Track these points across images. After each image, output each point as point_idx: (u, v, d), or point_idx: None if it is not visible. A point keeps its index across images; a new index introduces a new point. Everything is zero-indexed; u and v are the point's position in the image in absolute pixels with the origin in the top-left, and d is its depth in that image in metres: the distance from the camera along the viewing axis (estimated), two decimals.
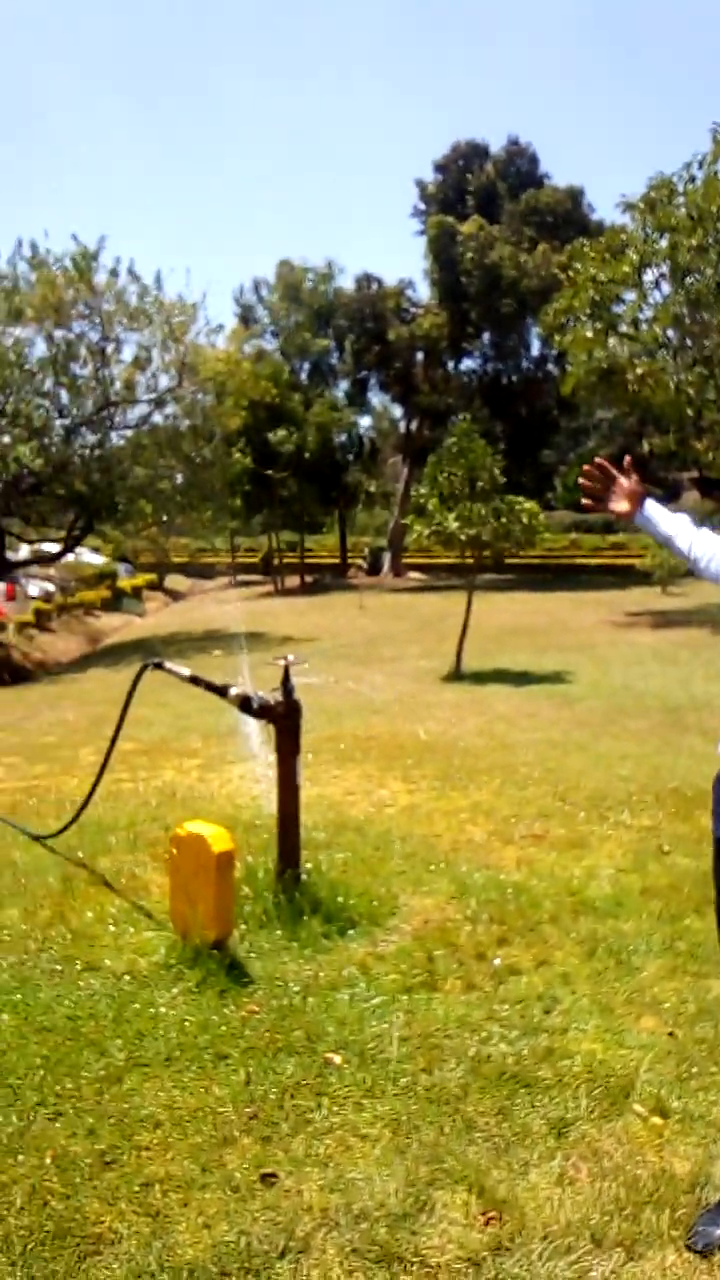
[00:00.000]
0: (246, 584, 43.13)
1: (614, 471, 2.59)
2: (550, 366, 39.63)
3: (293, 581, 39.73)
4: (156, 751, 7.84)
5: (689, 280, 19.03)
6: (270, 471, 34.81)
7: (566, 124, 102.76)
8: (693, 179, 18.72)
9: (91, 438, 21.88)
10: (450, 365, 43.28)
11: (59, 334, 20.35)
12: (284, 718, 4.09)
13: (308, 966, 3.62)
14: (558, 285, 24.47)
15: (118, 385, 21.49)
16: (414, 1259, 2.22)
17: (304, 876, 4.19)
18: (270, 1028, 3.18)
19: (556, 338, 21.67)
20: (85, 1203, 2.39)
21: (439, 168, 43.80)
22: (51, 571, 31.69)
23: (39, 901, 4.36)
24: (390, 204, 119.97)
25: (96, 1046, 3.08)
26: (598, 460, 2.62)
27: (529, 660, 14.50)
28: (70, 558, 28.27)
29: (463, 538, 12.89)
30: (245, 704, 4.10)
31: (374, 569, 43.23)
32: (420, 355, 41.80)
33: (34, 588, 28.47)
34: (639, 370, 19.82)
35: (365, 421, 44.57)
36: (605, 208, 47.64)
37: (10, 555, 23.81)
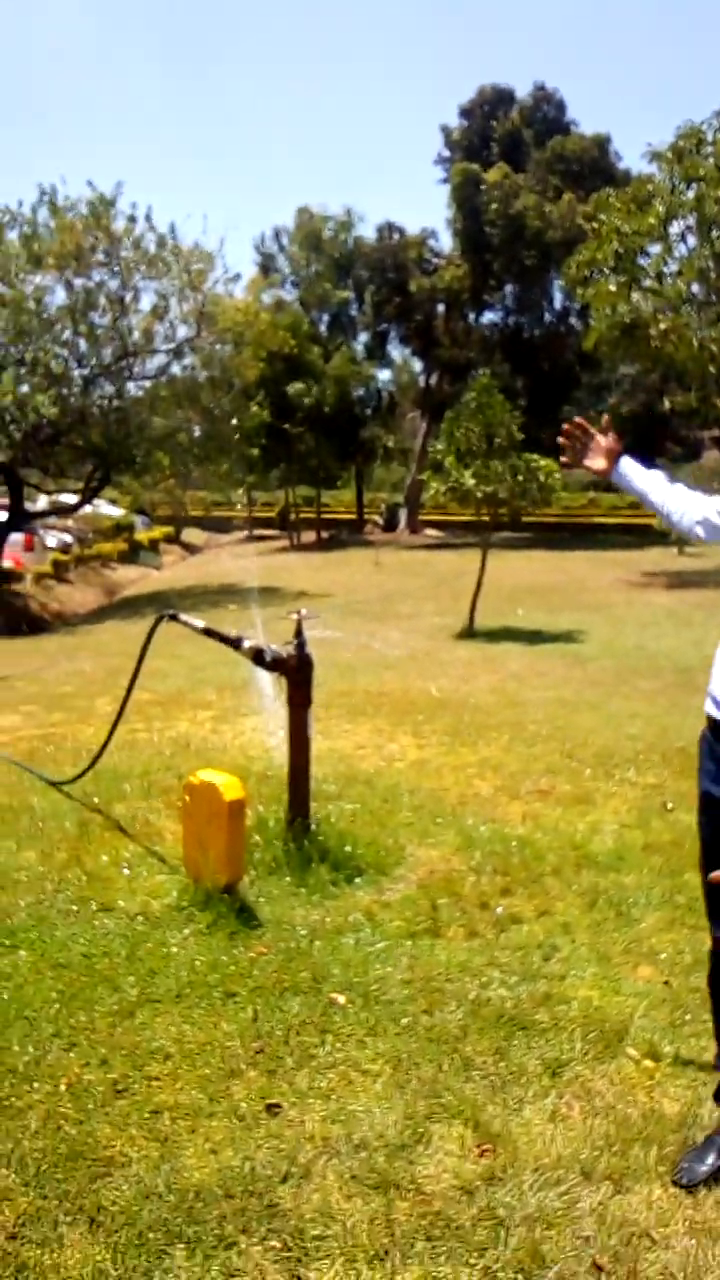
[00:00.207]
0: (262, 539, 43.10)
1: (592, 430, 2.70)
2: (573, 320, 39.02)
3: (309, 537, 39.67)
4: (171, 703, 7.94)
5: (716, 233, 18.66)
6: (287, 425, 34.57)
7: (595, 70, 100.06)
8: None
9: (110, 388, 21.76)
10: (471, 318, 42.68)
11: (79, 282, 20.18)
12: (296, 670, 4.16)
13: (315, 912, 3.73)
14: (582, 236, 24.02)
15: (136, 335, 21.32)
16: (410, 1186, 2.33)
17: (313, 826, 4.28)
18: (277, 968, 3.29)
19: (579, 291, 21.31)
20: (97, 1128, 2.51)
21: (464, 113, 42.82)
22: (69, 523, 31.72)
23: (56, 845, 4.49)
24: (414, 151, 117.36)
25: (110, 983, 3.20)
26: (577, 420, 2.73)
27: (544, 619, 14.52)
28: (88, 509, 28.28)
29: (479, 495, 12.84)
30: (258, 656, 4.17)
31: (390, 525, 43.10)
32: (441, 308, 41.22)
33: (52, 539, 28.51)
34: (662, 325, 19.51)
35: (384, 375, 44.16)
36: (632, 156, 46.56)
37: (29, 506, 23.86)
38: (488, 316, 43.19)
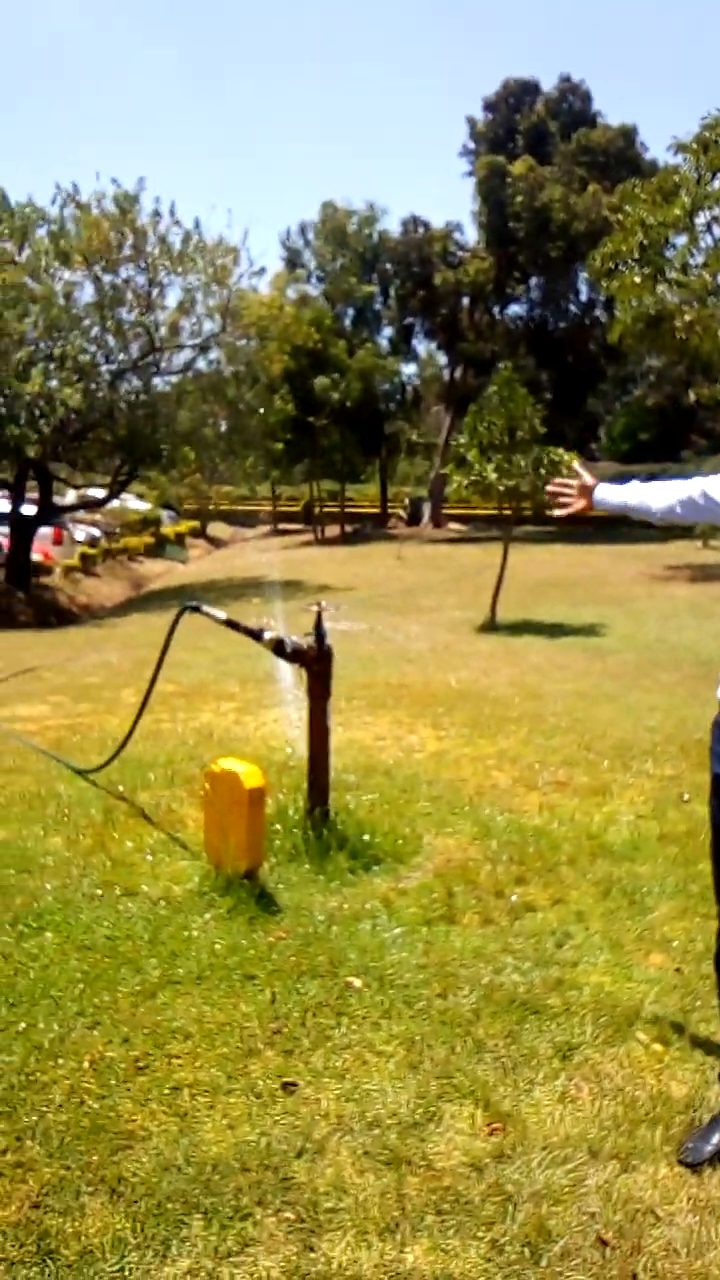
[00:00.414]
0: (287, 533, 43.21)
1: (571, 482, 2.94)
2: (598, 313, 38.76)
3: (333, 531, 39.72)
4: (195, 694, 8.04)
5: None
6: (312, 418, 34.62)
7: (621, 60, 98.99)
8: None
9: (137, 383, 21.93)
10: (496, 311, 42.50)
11: (107, 279, 20.34)
12: (315, 662, 4.23)
13: (333, 898, 3.80)
14: (608, 228, 23.88)
15: (162, 330, 21.46)
16: (421, 1163, 2.39)
17: (332, 815, 4.35)
18: (295, 952, 3.36)
19: (603, 283, 21.20)
20: (119, 1103, 2.59)
21: (488, 106, 42.55)
22: (98, 517, 31.98)
23: (81, 831, 4.59)
24: (439, 144, 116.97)
25: (133, 964, 3.28)
26: (557, 480, 2.99)
27: (565, 612, 14.51)
28: (115, 504, 28.50)
29: (501, 489, 12.85)
30: (278, 648, 4.24)
31: (414, 519, 43.05)
32: (466, 301, 41.08)
33: (80, 533, 28.75)
34: (687, 317, 19.37)
35: (409, 369, 44.08)
36: (659, 148, 46.11)
37: (57, 500, 24.09)
38: (513, 309, 43.00)
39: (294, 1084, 2.68)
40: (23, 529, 21.03)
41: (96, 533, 30.49)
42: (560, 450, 13.20)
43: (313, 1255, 2.11)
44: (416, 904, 3.79)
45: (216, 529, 46.01)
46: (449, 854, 4.32)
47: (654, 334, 20.30)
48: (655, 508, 2.75)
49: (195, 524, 42.76)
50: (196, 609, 4.73)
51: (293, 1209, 2.24)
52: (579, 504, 2.92)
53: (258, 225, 65.48)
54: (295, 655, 4.24)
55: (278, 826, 4.30)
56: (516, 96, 41.63)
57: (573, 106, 41.32)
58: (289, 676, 6.87)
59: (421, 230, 40.96)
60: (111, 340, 21.00)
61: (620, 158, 37.81)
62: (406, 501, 46.47)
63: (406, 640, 11.99)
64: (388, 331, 43.42)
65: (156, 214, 20.57)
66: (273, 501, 48.10)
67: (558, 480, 2.98)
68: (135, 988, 3.14)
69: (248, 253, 22.74)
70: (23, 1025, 2.93)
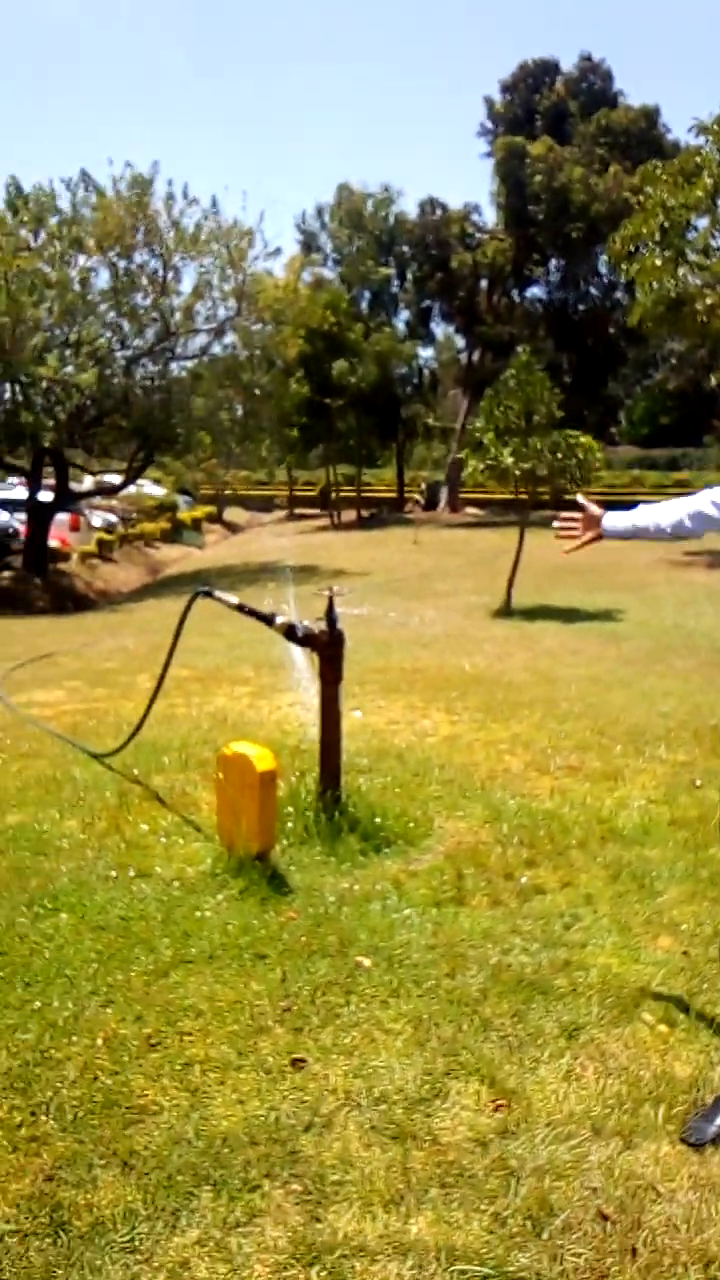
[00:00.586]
0: (303, 517, 43.20)
1: (576, 517, 2.91)
2: (619, 295, 38.43)
3: (349, 515, 39.68)
4: (210, 679, 8.10)
5: None
6: (328, 400, 34.52)
7: (644, 38, 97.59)
8: None
9: (152, 368, 21.96)
10: (515, 294, 42.20)
11: (122, 264, 20.33)
12: (327, 646, 4.25)
13: (344, 880, 3.84)
14: (629, 210, 23.61)
15: (177, 315, 21.45)
16: (426, 1138, 2.43)
17: (344, 798, 4.39)
18: (306, 933, 3.41)
19: (623, 266, 21.01)
20: (131, 1079, 2.65)
21: (506, 88, 42.14)
22: (114, 503, 32.08)
23: (96, 814, 4.65)
24: (457, 124, 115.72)
25: (146, 944, 3.34)
26: (563, 515, 2.94)
27: (581, 598, 14.48)
28: (132, 489, 28.58)
29: (517, 472, 12.80)
30: (290, 632, 4.27)
31: (431, 504, 42.95)
32: (484, 283, 40.81)
33: (97, 519, 28.86)
34: (709, 300, 19.17)
35: (427, 353, 43.88)
36: (682, 128, 45.55)
37: (74, 486, 24.19)
38: (532, 292, 42.70)
39: (303, 1060, 2.73)
40: (40, 515, 21.13)
41: (114, 519, 30.61)
42: (579, 434, 13.13)
43: (319, 1226, 2.15)
44: (426, 886, 3.82)
45: (233, 514, 46.07)
46: (460, 837, 4.36)
47: (674, 317, 20.09)
48: (665, 524, 2.75)
49: (212, 509, 42.83)
50: (209, 594, 4.76)
51: (300, 1181, 2.28)
52: (589, 535, 2.90)
53: (272, 208, 64.95)
54: (306, 640, 4.27)
55: (289, 809, 4.34)
56: (535, 77, 41.17)
57: (593, 86, 40.83)
58: (302, 661, 6.91)
59: (439, 212, 40.66)
60: (126, 325, 21.03)
61: (642, 139, 37.37)
62: (423, 486, 46.36)
63: (421, 625, 12.01)
64: (405, 314, 43.22)
65: (170, 197, 20.55)
66: (289, 486, 48.08)
67: (563, 515, 2.95)
68: (148, 967, 3.20)
69: (262, 235, 22.65)
70: (38, 1004, 2.99)
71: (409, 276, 41.68)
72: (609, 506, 2.96)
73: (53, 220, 19.78)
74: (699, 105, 66.26)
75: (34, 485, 21.49)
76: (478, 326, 40.77)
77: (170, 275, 21.08)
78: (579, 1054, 2.76)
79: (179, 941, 3.36)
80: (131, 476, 24.73)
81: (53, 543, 22.07)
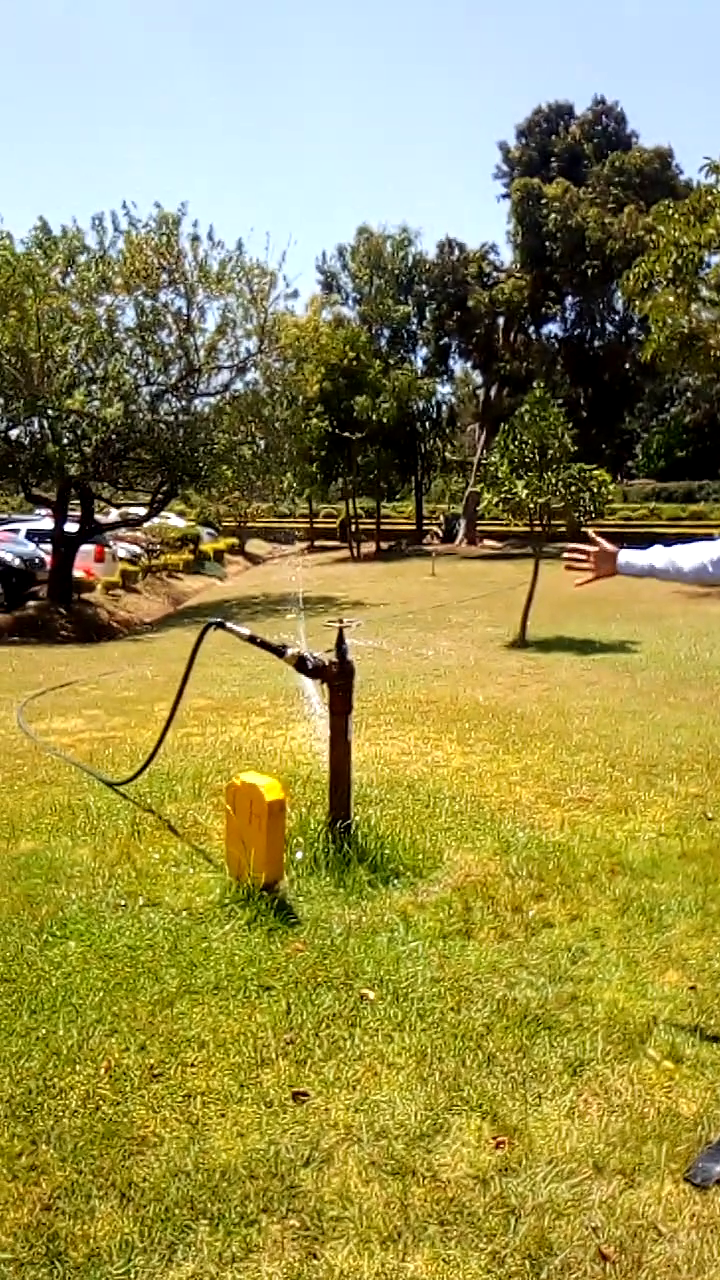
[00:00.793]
0: (323, 549, 43.42)
1: (586, 548, 2.92)
2: (634, 331, 38.68)
3: (369, 548, 39.84)
4: (226, 708, 8.13)
5: None
6: (348, 434, 34.82)
7: (657, 81, 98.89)
8: None
9: (176, 404, 22.25)
10: (532, 330, 42.58)
11: (148, 302, 20.69)
12: (337, 677, 4.28)
13: (351, 911, 3.83)
14: (644, 248, 23.83)
15: (201, 353, 21.78)
16: (426, 1173, 2.41)
17: (354, 829, 4.38)
18: (312, 964, 3.40)
19: (636, 303, 21.17)
20: (132, 1109, 2.65)
21: (522, 133, 42.78)
22: (139, 534, 32.35)
23: (109, 842, 4.67)
24: (474, 167, 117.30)
25: (152, 974, 3.34)
26: (570, 546, 2.95)
27: (596, 629, 14.43)
28: (156, 521, 28.81)
29: (532, 505, 12.84)
30: (300, 664, 4.29)
31: (449, 536, 43.08)
32: (501, 321, 41.21)
33: (122, 550, 29.09)
34: None
35: (445, 389, 44.24)
36: (694, 168, 45.96)
37: (99, 518, 24.44)
38: (548, 329, 43.10)
39: (304, 1093, 2.72)
40: (66, 546, 21.36)
41: (138, 550, 30.86)
42: (592, 467, 13.17)
43: (315, 1262, 2.14)
44: (434, 918, 3.81)
45: (254, 545, 46.37)
46: (469, 869, 4.34)
47: (688, 352, 20.20)
48: (686, 568, 2.73)
49: (234, 541, 43.12)
50: (222, 625, 4.80)
51: (298, 1216, 2.27)
52: (603, 569, 2.89)
53: (293, 249, 66.05)
54: (317, 671, 4.29)
55: (299, 839, 4.34)
56: (550, 120, 41.79)
57: (607, 128, 41.42)
58: (315, 692, 6.92)
59: (457, 252, 41.20)
60: (152, 362, 21.34)
61: (655, 179, 37.75)
62: (442, 519, 46.54)
63: (437, 656, 12.00)
64: (423, 351, 43.67)
65: (195, 238, 20.95)
66: (310, 519, 48.40)
67: (571, 546, 2.95)
68: (154, 996, 3.20)
69: (284, 276, 23.04)
70: (43, 1031, 3.00)
71: (428, 315, 42.15)
72: (625, 539, 2.97)
73: (81, 259, 20.18)
74: (711, 146, 66.96)
75: (60, 517, 21.74)
76: (495, 363, 41.12)
77: (195, 313, 21.44)
78: (583, 1090, 2.73)
79: (185, 971, 3.36)
80: (155, 509, 24.97)
81: (77, 573, 22.28)
